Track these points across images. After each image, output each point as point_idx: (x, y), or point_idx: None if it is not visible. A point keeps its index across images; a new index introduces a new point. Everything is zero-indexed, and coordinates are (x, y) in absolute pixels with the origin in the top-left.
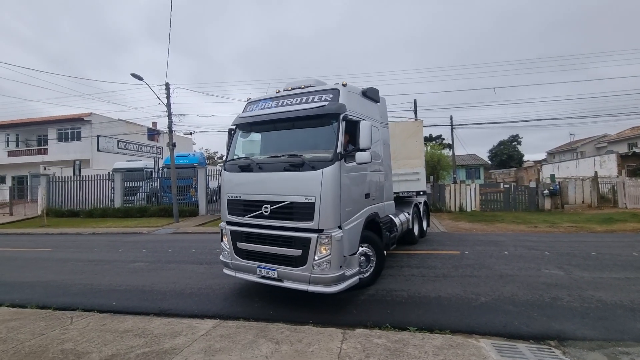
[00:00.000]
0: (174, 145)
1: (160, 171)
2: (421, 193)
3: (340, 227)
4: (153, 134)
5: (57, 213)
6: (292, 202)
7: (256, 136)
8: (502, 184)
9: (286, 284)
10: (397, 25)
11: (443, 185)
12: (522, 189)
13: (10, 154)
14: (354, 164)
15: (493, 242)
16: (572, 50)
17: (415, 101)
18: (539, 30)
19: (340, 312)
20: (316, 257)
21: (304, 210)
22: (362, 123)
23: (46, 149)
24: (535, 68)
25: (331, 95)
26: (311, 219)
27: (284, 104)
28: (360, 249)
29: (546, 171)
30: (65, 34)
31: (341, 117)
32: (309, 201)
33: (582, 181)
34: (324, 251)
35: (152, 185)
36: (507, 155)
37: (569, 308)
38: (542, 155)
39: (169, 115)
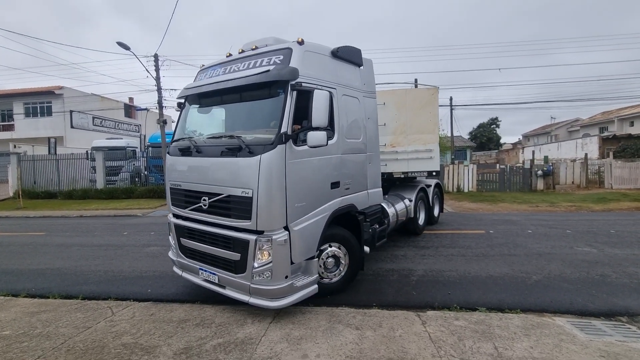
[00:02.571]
0: (164, 122)
1: (145, 150)
2: (433, 174)
3: (287, 228)
4: (140, 109)
5: (32, 194)
6: (229, 196)
7: (220, 112)
8: (498, 165)
9: (228, 291)
10: (371, 7)
11: (442, 165)
12: (517, 170)
13: None
14: (306, 147)
15: (510, 222)
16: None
17: (416, 80)
18: (505, 18)
19: (401, 294)
20: (255, 264)
21: (241, 206)
22: (315, 93)
23: (12, 125)
24: (504, 52)
25: (281, 57)
26: (249, 218)
27: (231, 70)
28: (329, 248)
29: (527, 153)
30: (22, 5)
31: (289, 85)
32: (246, 195)
33: (572, 163)
34: (265, 257)
35: (135, 164)
36: (486, 137)
37: (621, 285)
38: (515, 138)
39: (159, 89)
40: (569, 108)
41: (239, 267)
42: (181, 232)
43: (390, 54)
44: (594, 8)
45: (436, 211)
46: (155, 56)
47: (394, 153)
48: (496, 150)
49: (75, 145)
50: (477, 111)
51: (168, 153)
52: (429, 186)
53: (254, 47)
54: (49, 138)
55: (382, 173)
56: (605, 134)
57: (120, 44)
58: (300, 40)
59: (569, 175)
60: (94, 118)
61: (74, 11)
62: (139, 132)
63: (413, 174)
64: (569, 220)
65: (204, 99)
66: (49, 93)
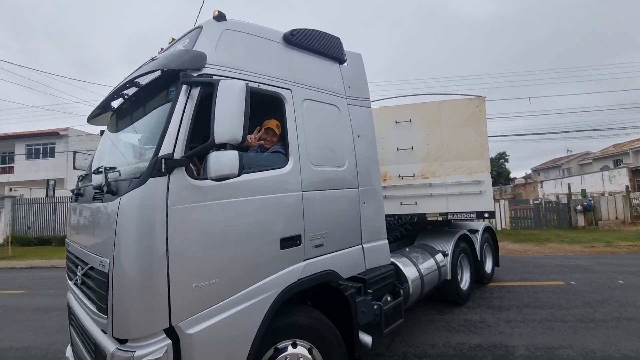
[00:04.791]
0: None
1: None
2: (485, 215)
3: (172, 331)
4: None
5: (24, 241)
6: (91, 267)
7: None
8: (531, 200)
9: None
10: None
11: None
12: (553, 206)
13: None
14: (208, 181)
15: (582, 268)
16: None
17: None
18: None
19: None
20: None
21: (98, 288)
22: (221, 84)
23: (12, 167)
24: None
25: (187, 41)
26: (105, 310)
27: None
28: (285, 352)
29: (547, 187)
30: (45, 61)
31: (180, 77)
32: (102, 269)
33: (613, 197)
34: None
35: None
36: (496, 172)
37: None
38: (521, 172)
39: None
40: (567, 140)
41: None
42: (69, 311)
43: (387, 87)
44: (575, 50)
45: (488, 266)
46: None
47: (426, 187)
48: (510, 185)
49: None
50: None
51: (73, 196)
52: (474, 232)
53: (171, 39)
54: (47, 180)
55: (411, 215)
56: (633, 165)
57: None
58: (216, 14)
59: (610, 210)
60: None
61: (88, 64)
62: None
63: (456, 216)
64: None
65: (115, 117)
66: (53, 134)
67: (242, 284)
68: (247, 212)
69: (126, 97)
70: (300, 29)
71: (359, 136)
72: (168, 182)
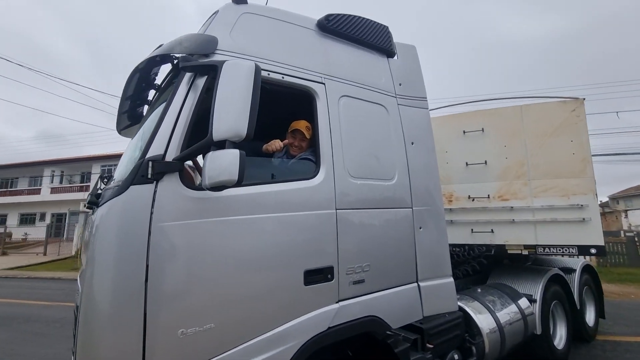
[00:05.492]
0: None
1: None
2: (592, 251)
3: None
4: None
5: None
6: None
7: None
8: (622, 232)
9: None
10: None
11: None
12: None
13: (53, 190)
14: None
15: None
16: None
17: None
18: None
19: None
20: None
21: (74, 322)
22: (226, 65)
23: (88, 185)
24: None
25: (201, 28)
26: (74, 352)
27: None
28: None
29: (634, 218)
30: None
31: (180, 64)
32: (78, 299)
33: None
34: None
35: None
36: None
37: None
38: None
39: None
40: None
41: None
42: None
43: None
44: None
45: (590, 317)
46: None
47: (505, 211)
48: None
49: None
50: None
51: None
52: (569, 271)
53: None
54: None
55: (486, 246)
56: None
57: None
58: None
59: None
60: None
61: None
62: None
63: (548, 250)
64: None
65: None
66: None
67: (248, 333)
68: (261, 235)
69: (149, 101)
70: (338, 14)
71: (412, 143)
72: (155, 191)
